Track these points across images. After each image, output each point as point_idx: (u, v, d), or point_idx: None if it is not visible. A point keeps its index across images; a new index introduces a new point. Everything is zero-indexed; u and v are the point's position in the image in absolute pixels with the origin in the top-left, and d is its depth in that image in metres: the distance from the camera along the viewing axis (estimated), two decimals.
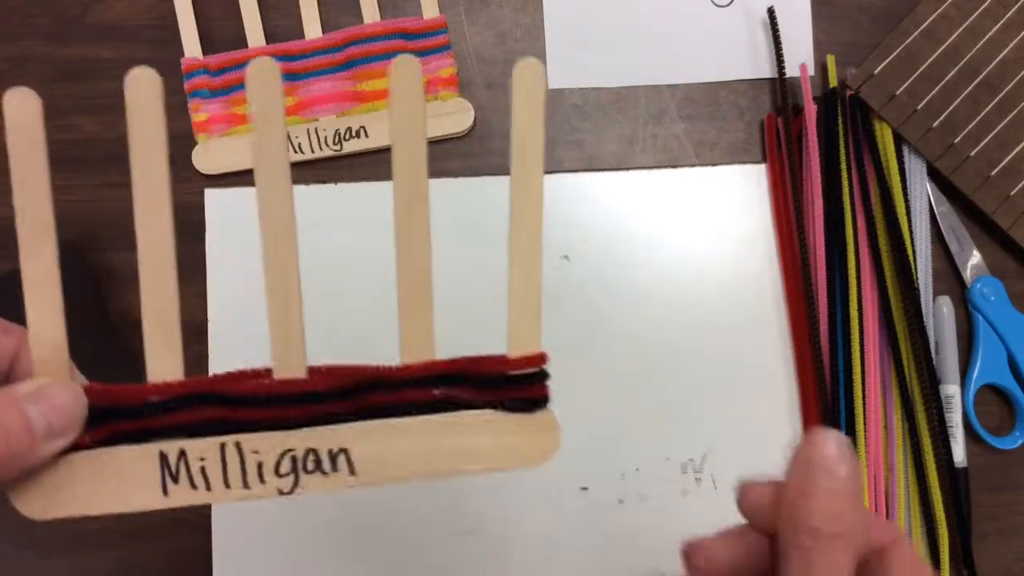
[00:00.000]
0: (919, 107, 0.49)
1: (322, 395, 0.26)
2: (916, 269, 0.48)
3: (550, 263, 0.48)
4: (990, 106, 0.49)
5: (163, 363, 0.25)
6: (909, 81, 0.49)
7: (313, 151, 0.49)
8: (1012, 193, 0.48)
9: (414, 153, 0.25)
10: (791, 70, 0.50)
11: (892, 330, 0.47)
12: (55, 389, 0.24)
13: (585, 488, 0.47)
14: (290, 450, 0.26)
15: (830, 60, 0.50)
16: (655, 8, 0.51)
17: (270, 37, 0.50)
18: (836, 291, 0.48)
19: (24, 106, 0.24)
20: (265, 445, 0.25)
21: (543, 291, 0.25)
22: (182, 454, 0.25)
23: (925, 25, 0.50)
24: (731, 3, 0.52)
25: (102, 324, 0.47)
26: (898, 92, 0.49)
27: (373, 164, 0.49)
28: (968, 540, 0.46)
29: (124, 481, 0.25)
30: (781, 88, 0.50)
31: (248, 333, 0.48)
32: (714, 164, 0.50)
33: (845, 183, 0.48)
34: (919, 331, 0.47)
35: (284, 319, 0.25)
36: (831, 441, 0.22)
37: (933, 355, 0.47)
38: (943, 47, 0.49)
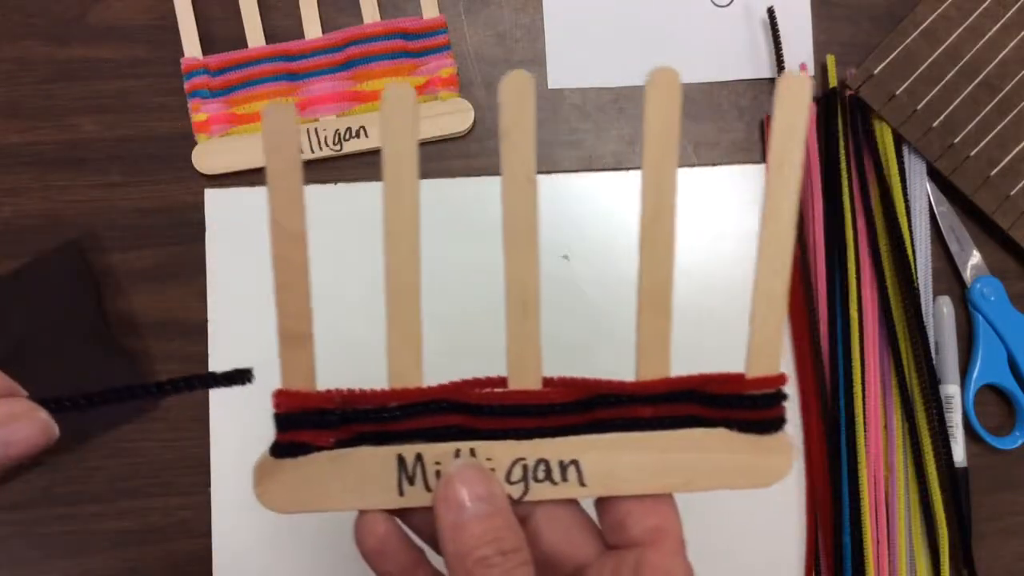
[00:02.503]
0: (919, 107, 0.49)
1: (557, 407, 0.26)
2: (916, 269, 0.48)
3: (550, 263, 0.48)
4: (990, 106, 0.49)
5: (405, 369, 0.25)
6: (909, 81, 0.49)
7: (313, 151, 0.49)
8: (1012, 193, 0.48)
9: (666, 162, 0.25)
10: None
11: (892, 330, 0.47)
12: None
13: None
14: (521, 459, 0.26)
15: (830, 60, 0.50)
16: (655, 8, 0.51)
17: (270, 37, 0.50)
18: (836, 291, 0.48)
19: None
20: (499, 453, 0.26)
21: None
22: (419, 457, 0.25)
23: (925, 25, 0.49)
24: (731, 3, 0.51)
25: (102, 324, 0.47)
26: (898, 92, 0.49)
27: (373, 164, 0.49)
28: (968, 540, 0.46)
29: (363, 480, 0.25)
30: None
31: (247, 333, 0.48)
32: (714, 164, 0.50)
33: (845, 183, 0.48)
34: (919, 331, 0.46)
35: (521, 328, 0.25)
36: (457, 483, 0.24)
37: (933, 355, 0.47)
38: (943, 47, 0.49)
